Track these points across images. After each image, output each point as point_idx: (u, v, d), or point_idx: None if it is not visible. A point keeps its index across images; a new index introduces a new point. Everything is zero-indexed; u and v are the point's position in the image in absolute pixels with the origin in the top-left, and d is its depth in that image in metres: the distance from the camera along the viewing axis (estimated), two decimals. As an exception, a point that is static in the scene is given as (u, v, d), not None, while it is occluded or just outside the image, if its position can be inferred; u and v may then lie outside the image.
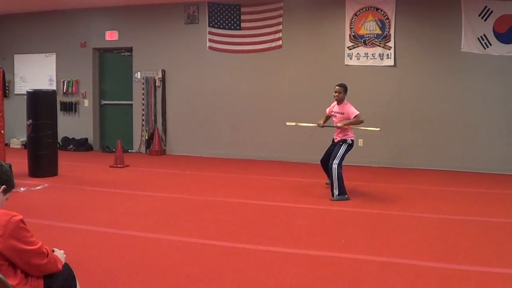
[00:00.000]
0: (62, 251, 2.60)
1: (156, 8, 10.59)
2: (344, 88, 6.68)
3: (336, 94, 6.68)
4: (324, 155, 6.88)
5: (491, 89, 8.75)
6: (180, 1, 10.34)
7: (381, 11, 9.13)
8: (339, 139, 6.71)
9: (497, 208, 6.16)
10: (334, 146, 6.76)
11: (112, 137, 11.14)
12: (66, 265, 2.54)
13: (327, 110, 7.00)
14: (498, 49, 8.57)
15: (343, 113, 6.67)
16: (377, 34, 9.19)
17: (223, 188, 7.32)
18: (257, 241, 4.67)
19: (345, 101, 6.72)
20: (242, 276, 3.79)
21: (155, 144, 10.68)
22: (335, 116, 6.80)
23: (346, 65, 9.42)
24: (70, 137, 11.42)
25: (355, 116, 6.54)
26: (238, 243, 4.60)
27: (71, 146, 11.23)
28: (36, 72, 11.72)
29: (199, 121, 10.54)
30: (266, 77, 10.01)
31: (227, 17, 10.10)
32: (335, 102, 6.83)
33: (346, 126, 6.60)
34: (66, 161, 8.95)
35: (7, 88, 11.58)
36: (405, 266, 4.02)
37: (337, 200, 6.36)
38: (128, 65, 11.09)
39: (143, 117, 10.94)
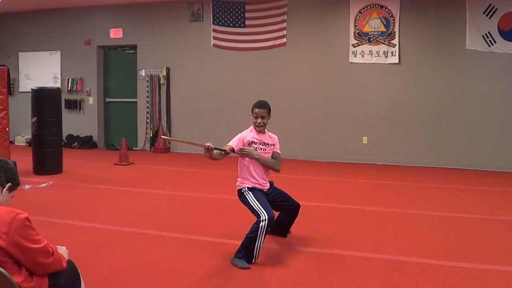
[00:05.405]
0: (64, 247, 2.60)
1: (161, 5, 10.60)
2: (269, 110, 4.50)
3: (259, 119, 4.47)
4: (270, 208, 4.18)
5: (495, 86, 8.72)
6: (184, -2, 10.36)
7: (386, 8, 9.11)
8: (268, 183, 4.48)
9: (502, 206, 6.14)
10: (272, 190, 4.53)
11: (116, 135, 11.16)
12: (70, 263, 2.54)
13: (235, 142, 4.58)
14: (503, 46, 8.54)
15: (274, 144, 4.54)
16: (382, 32, 9.17)
17: (227, 186, 7.29)
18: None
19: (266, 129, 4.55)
20: (246, 273, 3.79)
21: (160, 142, 10.69)
22: (256, 149, 4.42)
23: (351, 62, 9.40)
24: (75, 135, 11.45)
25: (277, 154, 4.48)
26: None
27: (76, 143, 11.26)
28: (40, 70, 11.75)
29: (203, 118, 10.54)
30: (271, 74, 9.99)
31: (231, 14, 10.09)
32: (250, 131, 4.58)
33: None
34: (70, 159, 8.98)
35: (12, 86, 11.62)
36: (409, 264, 4.02)
37: (237, 266, 3.91)
38: (132, 62, 11.10)
39: (147, 115, 10.95)
